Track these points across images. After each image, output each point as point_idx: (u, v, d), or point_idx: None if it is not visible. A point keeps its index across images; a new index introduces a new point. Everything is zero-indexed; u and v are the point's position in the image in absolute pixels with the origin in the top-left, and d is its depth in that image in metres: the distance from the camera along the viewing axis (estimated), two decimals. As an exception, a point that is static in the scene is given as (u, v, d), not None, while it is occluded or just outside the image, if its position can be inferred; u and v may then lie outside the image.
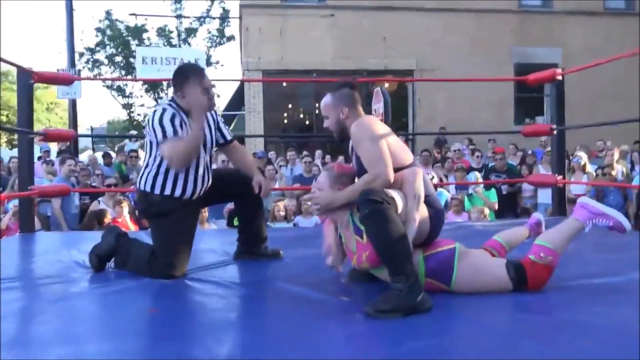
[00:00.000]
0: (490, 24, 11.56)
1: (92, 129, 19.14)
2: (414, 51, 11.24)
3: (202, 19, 19.55)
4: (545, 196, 6.51)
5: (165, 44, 18.95)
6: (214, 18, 19.20)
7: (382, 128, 2.06)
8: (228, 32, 20.31)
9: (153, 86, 19.45)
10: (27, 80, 3.48)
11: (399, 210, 1.87)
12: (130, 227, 4.85)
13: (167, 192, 2.40)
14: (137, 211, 2.76)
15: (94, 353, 1.46)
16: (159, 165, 2.39)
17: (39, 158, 8.54)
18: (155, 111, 2.38)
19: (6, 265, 2.51)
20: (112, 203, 4.98)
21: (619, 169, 6.46)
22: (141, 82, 19.30)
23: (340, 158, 8.19)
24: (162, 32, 19.35)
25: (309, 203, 2.14)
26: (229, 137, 2.70)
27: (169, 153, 2.30)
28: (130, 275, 2.35)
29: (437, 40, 11.27)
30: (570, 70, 3.79)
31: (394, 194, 1.88)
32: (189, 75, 2.41)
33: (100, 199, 5.23)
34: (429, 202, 2.04)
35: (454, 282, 1.92)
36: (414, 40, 11.21)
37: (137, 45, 18.54)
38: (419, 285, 1.80)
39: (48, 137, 3.43)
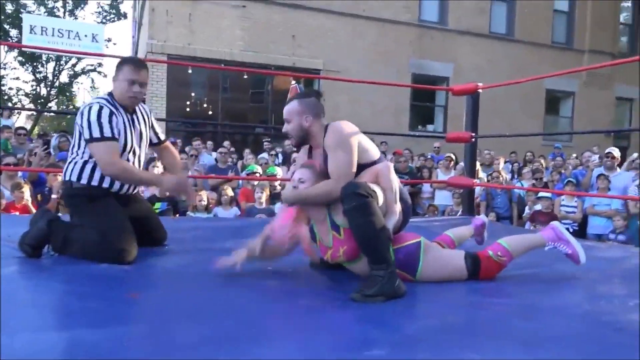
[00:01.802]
0: (392, 34, 12.22)
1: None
2: (321, 51, 11.52)
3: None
4: (442, 198, 7.12)
5: (46, 14, 17.26)
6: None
7: (355, 134, 2.17)
8: (121, 8, 19.10)
9: (30, 58, 17.63)
10: None
11: (380, 203, 2.00)
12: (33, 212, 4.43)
13: (94, 183, 2.37)
14: (63, 198, 2.58)
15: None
16: (88, 160, 2.36)
17: None
18: (91, 106, 2.35)
19: None
20: (9, 186, 4.49)
21: (504, 176, 7.26)
22: (16, 53, 17.39)
23: (247, 151, 8.16)
24: (41, 2, 17.59)
25: (287, 191, 2.17)
26: (162, 138, 2.74)
27: (106, 158, 2.28)
28: (75, 261, 2.21)
29: (343, 44, 11.67)
30: (489, 85, 4.22)
31: (375, 187, 2.00)
32: (125, 62, 2.45)
33: (-5, 179, 4.70)
34: (400, 196, 2.20)
35: (419, 272, 2.10)
36: (322, 40, 11.50)
37: (12, 10, 16.70)
38: (395, 272, 1.94)
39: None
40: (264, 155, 7.96)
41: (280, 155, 8.26)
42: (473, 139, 4.17)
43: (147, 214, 2.70)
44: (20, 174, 5.03)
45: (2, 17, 16.85)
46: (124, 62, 2.47)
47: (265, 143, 9.13)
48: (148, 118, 2.62)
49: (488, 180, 6.71)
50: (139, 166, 2.52)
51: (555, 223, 2.37)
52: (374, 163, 2.18)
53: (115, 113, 2.36)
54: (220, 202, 5.30)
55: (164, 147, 2.75)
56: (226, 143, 8.56)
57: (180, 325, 1.52)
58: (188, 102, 11.86)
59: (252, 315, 1.66)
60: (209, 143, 8.83)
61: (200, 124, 11.54)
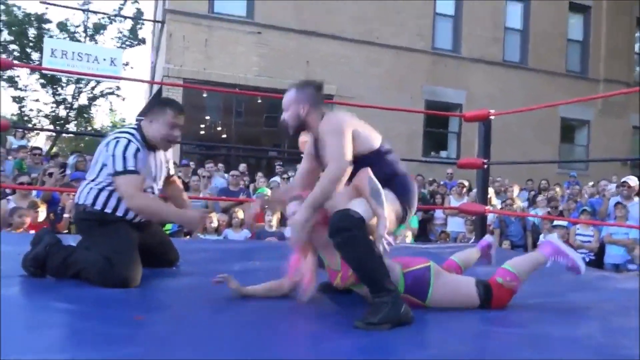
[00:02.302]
0: (405, 61, 12.32)
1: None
2: (334, 78, 11.62)
3: (112, 18, 18.60)
4: (454, 224, 7.04)
5: (67, 38, 17.73)
6: (127, 18, 18.32)
7: (350, 121, 2.14)
8: (139, 34, 19.56)
9: (50, 81, 18.05)
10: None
11: (367, 219, 1.92)
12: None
13: (108, 210, 2.36)
14: (75, 219, 2.57)
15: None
16: (104, 187, 2.36)
17: None
18: (119, 139, 2.35)
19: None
20: (26, 204, 4.53)
21: (518, 204, 7.17)
22: (38, 76, 17.83)
23: (259, 174, 8.17)
24: (64, 27, 18.08)
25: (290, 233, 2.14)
26: (171, 172, 2.75)
27: (130, 192, 2.28)
28: (79, 283, 2.19)
29: (357, 70, 11.77)
30: (500, 112, 4.21)
31: (359, 206, 1.92)
32: (170, 106, 2.47)
33: (10, 197, 4.75)
34: (395, 172, 2.17)
35: (430, 298, 2.05)
36: (336, 67, 11.61)
37: (35, 34, 17.19)
38: (400, 298, 1.90)
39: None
40: (276, 178, 7.97)
41: (292, 180, 8.27)
42: (485, 166, 4.13)
43: (160, 236, 2.70)
44: (34, 193, 5.09)
45: (25, 41, 17.37)
46: (167, 104, 2.49)
47: (277, 166, 9.16)
48: (165, 154, 2.63)
49: (502, 208, 6.62)
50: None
51: (550, 238, 2.37)
52: (378, 152, 2.16)
53: (141, 150, 2.37)
54: (231, 224, 5.29)
55: (172, 181, 2.77)
56: (242, 166, 8.61)
57: (183, 348, 1.49)
58: (203, 125, 12.00)
59: (255, 340, 1.62)
60: (220, 165, 8.88)
61: (214, 147, 11.63)
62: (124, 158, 2.29)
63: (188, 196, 3.04)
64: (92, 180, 2.39)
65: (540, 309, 2.21)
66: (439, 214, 7.26)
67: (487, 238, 2.69)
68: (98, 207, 2.35)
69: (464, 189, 7.42)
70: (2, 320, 1.58)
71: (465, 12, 12.91)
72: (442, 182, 8.35)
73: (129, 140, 2.34)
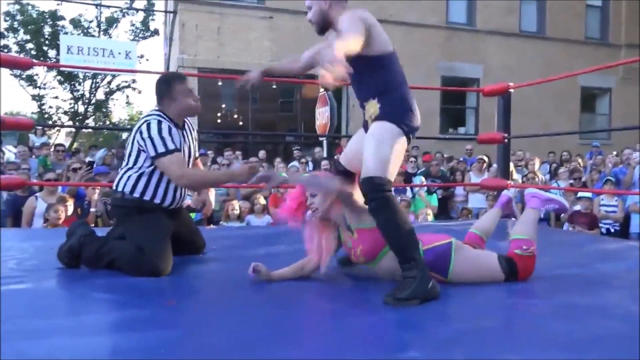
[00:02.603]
0: (419, 36, 12.15)
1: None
2: (348, 58, 11.54)
3: (124, 11, 18.70)
4: (475, 201, 7.00)
5: (81, 34, 17.89)
6: (139, 10, 18.39)
7: (370, 17, 2.10)
8: (152, 25, 19.64)
9: (68, 78, 18.29)
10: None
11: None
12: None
13: (147, 197, 2.41)
14: (112, 208, 2.63)
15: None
16: (143, 173, 2.40)
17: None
18: (149, 121, 2.38)
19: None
20: (53, 200, 4.65)
21: (540, 177, 7.09)
22: (55, 73, 18.07)
23: (277, 160, 8.21)
24: (78, 23, 18.23)
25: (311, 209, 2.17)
26: (197, 154, 2.76)
27: (177, 171, 2.34)
28: (111, 273, 2.26)
29: (370, 49, 11.65)
30: (519, 85, 4.15)
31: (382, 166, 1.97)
32: (173, 79, 2.52)
33: (37, 194, 4.87)
34: (398, 85, 2.14)
35: (451, 273, 2.07)
36: (349, 47, 11.51)
37: (50, 32, 17.39)
38: (427, 272, 1.92)
39: (6, 125, 3.16)
40: (295, 163, 8.00)
41: (310, 163, 8.30)
42: (506, 140, 4.10)
43: (190, 224, 2.77)
44: (60, 188, 5.21)
45: (41, 39, 17.59)
46: (170, 80, 2.52)
47: (295, 151, 9.19)
48: (192, 131, 2.66)
49: (523, 182, 6.56)
50: None
51: (530, 190, 2.48)
52: (391, 56, 2.14)
53: (173, 127, 2.41)
54: (253, 210, 5.35)
55: (195, 163, 2.78)
56: (261, 153, 8.65)
57: (218, 330, 1.55)
58: (219, 114, 12.07)
59: (285, 320, 1.67)
60: (238, 153, 8.93)
61: (231, 135, 11.71)
62: (162, 138, 2.32)
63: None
64: (130, 168, 2.42)
65: (566, 280, 2.22)
66: (459, 190, 7.22)
67: (507, 193, 2.73)
68: (137, 194, 2.38)
69: (484, 165, 7.35)
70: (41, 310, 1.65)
71: (479, -17, 12.65)
72: (461, 159, 8.28)
73: (160, 120, 2.38)
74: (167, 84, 2.49)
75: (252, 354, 1.36)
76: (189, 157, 2.57)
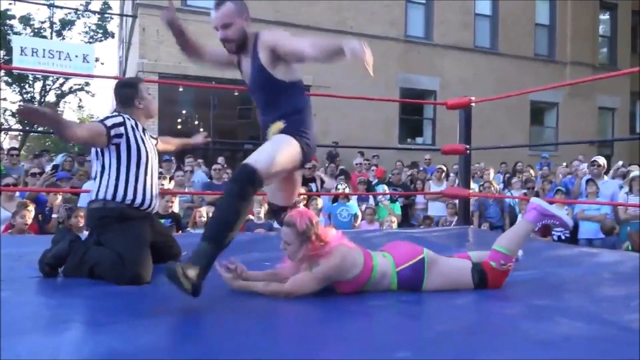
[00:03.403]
0: (379, 49, 12.41)
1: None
2: (310, 68, 11.66)
3: (79, 13, 18.16)
4: (435, 209, 7.25)
5: (31, 34, 17.25)
6: (97, 13, 17.92)
7: None
8: (107, 28, 19.17)
9: (17, 79, 17.57)
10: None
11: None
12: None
13: (128, 202, 2.41)
14: (89, 216, 2.59)
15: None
16: (118, 175, 2.40)
17: None
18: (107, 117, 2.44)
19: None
20: (13, 206, 4.50)
21: (495, 186, 7.41)
22: (2, 74, 17.31)
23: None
24: (27, 22, 17.58)
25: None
26: (155, 137, 2.78)
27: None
28: (91, 281, 2.25)
29: (332, 60, 11.83)
30: (481, 99, 4.37)
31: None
32: (139, 82, 2.60)
33: (-6, 200, 4.70)
34: (302, 109, 2.29)
35: (424, 287, 2.14)
36: (311, 57, 11.64)
37: (1, 32, 16.69)
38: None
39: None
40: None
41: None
42: (468, 151, 4.30)
43: (163, 230, 2.77)
44: (18, 194, 5.04)
45: (-11, 38, 16.85)
46: (134, 84, 2.58)
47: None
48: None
49: (480, 191, 6.85)
50: (154, 178, 2.56)
51: (534, 201, 2.33)
52: (301, 82, 2.36)
53: (134, 127, 2.45)
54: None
55: (160, 140, 2.84)
56: (220, 159, 8.61)
57: (207, 336, 1.59)
58: (179, 120, 11.92)
59: (268, 325, 1.73)
60: (200, 161, 8.86)
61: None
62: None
63: (173, 190, 3.10)
64: (102, 172, 2.40)
65: (532, 284, 2.37)
66: (419, 199, 7.45)
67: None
68: (118, 199, 2.37)
69: (443, 174, 7.62)
70: (3, 320, 1.64)
71: (437, -2, 13.10)
72: (421, 168, 8.54)
73: (119, 116, 2.43)
74: (134, 87, 2.53)
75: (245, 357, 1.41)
76: (149, 159, 2.53)
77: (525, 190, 7.00)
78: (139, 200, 2.43)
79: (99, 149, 2.42)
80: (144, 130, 2.56)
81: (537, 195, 6.89)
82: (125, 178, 2.40)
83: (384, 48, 12.46)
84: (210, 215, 4.79)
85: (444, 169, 7.73)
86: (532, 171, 8.43)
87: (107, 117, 2.41)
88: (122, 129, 2.37)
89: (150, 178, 2.50)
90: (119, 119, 2.40)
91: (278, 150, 2.10)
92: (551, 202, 6.18)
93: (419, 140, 13.33)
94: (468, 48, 13.49)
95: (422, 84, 12.95)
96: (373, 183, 7.76)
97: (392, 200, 6.69)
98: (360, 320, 1.83)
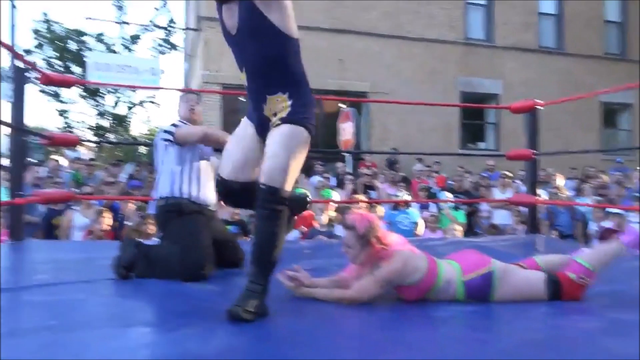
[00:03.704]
0: (438, 53, 12.25)
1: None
2: (367, 74, 11.68)
3: (147, 28, 19.07)
4: (500, 217, 7.01)
5: (105, 50, 18.29)
6: (163, 28, 18.78)
7: None
8: (172, 41, 19.99)
9: (92, 93, 18.66)
10: (23, 78, 3.38)
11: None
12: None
13: (185, 196, 2.60)
14: (155, 216, 2.80)
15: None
16: (175, 173, 2.63)
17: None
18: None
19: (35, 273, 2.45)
20: (90, 213, 4.80)
21: (565, 193, 7.09)
22: (79, 89, 18.45)
23: (300, 175, 8.29)
24: (101, 40, 18.65)
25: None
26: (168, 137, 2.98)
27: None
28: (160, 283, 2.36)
29: (389, 65, 11.79)
30: (547, 102, 4.21)
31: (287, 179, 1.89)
32: (183, 96, 2.95)
33: (75, 208, 5.03)
34: (302, 77, 2.01)
35: (492, 298, 2.07)
36: (369, 63, 11.66)
37: (77, 50, 17.82)
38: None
39: (55, 141, 3.31)
40: (318, 177, 8.10)
41: (333, 178, 8.38)
42: (534, 157, 4.15)
43: (226, 234, 2.89)
44: (96, 202, 5.36)
45: (68, 55, 18.00)
46: (181, 96, 2.99)
47: (317, 166, 9.28)
48: None
49: (548, 198, 6.57)
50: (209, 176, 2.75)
51: (634, 226, 2.30)
52: (298, 42, 2.00)
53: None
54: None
55: None
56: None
57: (281, 335, 1.63)
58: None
59: (332, 330, 1.76)
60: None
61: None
62: (168, 126, 2.74)
63: None
64: (163, 172, 2.66)
65: (610, 296, 2.25)
66: (483, 206, 7.24)
67: (635, 228, 2.47)
68: (176, 194, 2.58)
69: (508, 181, 7.38)
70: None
71: None
72: (484, 174, 8.30)
73: (174, 123, 2.80)
74: (181, 99, 2.92)
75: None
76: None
77: (597, 197, 6.64)
78: (194, 196, 2.60)
79: (160, 152, 2.70)
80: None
81: (611, 202, 6.54)
82: (180, 174, 2.63)
83: (442, 51, 12.27)
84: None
85: (509, 175, 7.48)
86: (604, 177, 7.99)
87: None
88: (170, 136, 2.69)
89: (205, 176, 2.68)
90: (172, 128, 2.73)
91: (293, 163, 1.86)
92: (629, 210, 5.85)
93: (481, 145, 12.97)
94: (532, 49, 13.01)
95: (484, 87, 12.61)
96: (434, 190, 7.63)
97: (455, 207, 6.54)
98: (424, 330, 1.81)
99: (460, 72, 12.43)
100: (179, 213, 2.57)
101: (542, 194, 6.82)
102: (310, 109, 1.95)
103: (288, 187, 1.85)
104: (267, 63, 1.88)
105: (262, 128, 1.99)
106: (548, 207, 6.46)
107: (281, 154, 1.82)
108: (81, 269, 2.66)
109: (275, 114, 1.92)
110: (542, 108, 4.23)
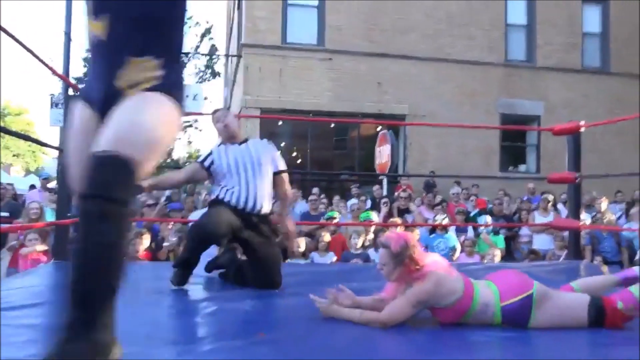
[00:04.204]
0: (477, 75, 12.14)
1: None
2: (406, 97, 11.67)
3: (190, 55, 19.77)
4: (541, 242, 6.79)
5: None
6: (206, 55, 19.44)
7: None
8: (214, 67, 20.62)
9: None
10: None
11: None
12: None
13: (214, 196, 3.02)
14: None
15: None
16: (220, 186, 3.01)
17: (32, 187, 8.40)
18: None
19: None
20: (131, 234, 4.94)
21: (610, 217, 6.81)
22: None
23: (336, 198, 8.31)
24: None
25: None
26: (276, 169, 3.08)
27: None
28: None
29: (428, 88, 11.76)
30: (591, 124, 4.10)
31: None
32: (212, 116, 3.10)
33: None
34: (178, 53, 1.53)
35: (531, 324, 2.00)
36: (407, 86, 11.66)
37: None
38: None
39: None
40: (354, 200, 8.08)
41: (369, 201, 8.34)
42: (577, 179, 4.03)
43: (270, 257, 2.93)
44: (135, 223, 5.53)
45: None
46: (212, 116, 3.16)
47: (353, 189, 9.27)
48: (257, 146, 3.09)
49: (592, 223, 6.33)
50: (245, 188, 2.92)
51: None
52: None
53: (216, 148, 3.05)
54: (317, 247, 5.44)
55: (278, 178, 3.18)
56: (315, 189, 8.81)
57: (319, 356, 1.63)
58: (279, 153, 12.40)
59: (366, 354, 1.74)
60: (299, 192, 9.03)
61: (292, 173, 11.96)
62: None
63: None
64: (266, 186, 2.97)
65: None
66: (524, 231, 7.03)
67: (635, 270, 2.33)
68: (220, 198, 2.89)
69: (549, 204, 7.16)
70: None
71: (539, 20, 12.56)
72: (524, 198, 8.09)
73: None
74: (213, 119, 3.10)
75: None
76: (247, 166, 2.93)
77: (647, 222, 6.34)
78: (227, 198, 2.84)
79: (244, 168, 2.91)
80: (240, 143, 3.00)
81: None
82: (225, 185, 2.90)
83: (482, 73, 12.14)
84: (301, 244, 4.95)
85: (550, 198, 7.26)
86: (654, 201, 7.62)
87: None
88: (210, 158, 2.97)
89: (237, 178, 2.87)
90: (207, 153, 3.03)
91: (156, 126, 1.30)
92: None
93: (522, 167, 12.66)
94: (575, 69, 12.70)
95: (525, 109, 12.37)
96: (472, 213, 7.48)
97: (495, 232, 6.38)
98: (459, 355, 1.77)
99: (500, 93, 12.26)
100: (210, 205, 2.98)
101: (586, 219, 6.58)
102: (182, 93, 1.47)
103: (145, 164, 1.27)
104: (143, 12, 1.35)
105: (108, 106, 1.35)
106: (592, 232, 6.22)
107: (138, 118, 1.26)
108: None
109: (134, 86, 1.36)
110: (585, 129, 4.12)
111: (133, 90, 1.35)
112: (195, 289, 2.85)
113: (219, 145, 3.03)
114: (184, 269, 2.77)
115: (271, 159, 3.03)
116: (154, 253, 5.21)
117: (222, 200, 2.84)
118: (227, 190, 2.86)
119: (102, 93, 1.40)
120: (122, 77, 1.36)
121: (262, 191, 2.88)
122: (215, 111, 3.14)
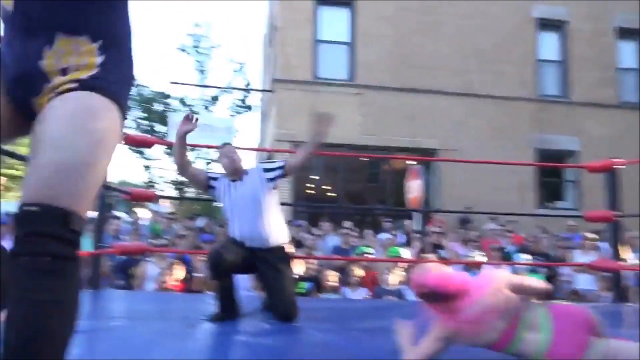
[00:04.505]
0: (508, 110, 12.04)
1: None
2: (436, 132, 11.64)
3: (226, 90, 20.32)
4: (583, 281, 6.52)
5: (188, 110, 19.61)
6: (240, 90, 19.97)
7: None
8: (248, 102, 21.11)
9: (174, 150, 19.91)
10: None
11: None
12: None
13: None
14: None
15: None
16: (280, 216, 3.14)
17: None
18: None
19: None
20: (164, 264, 5.01)
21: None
22: (164, 147, 19.75)
23: (368, 232, 8.25)
24: (184, 102, 20.07)
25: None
26: (280, 174, 3.11)
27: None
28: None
29: (459, 123, 11.71)
30: (627, 162, 3.99)
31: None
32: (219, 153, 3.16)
33: (149, 259, 5.27)
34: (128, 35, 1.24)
35: None
36: (438, 121, 11.65)
37: (163, 110, 19.25)
38: None
39: (134, 196, 3.57)
40: (386, 234, 8.01)
41: (401, 235, 8.25)
42: (616, 218, 3.90)
43: (281, 288, 2.91)
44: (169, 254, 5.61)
45: (152, 116, 19.49)
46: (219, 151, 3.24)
47: (385, 222, 9.19)
48: (256, 174, 3.12)
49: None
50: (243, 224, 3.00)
51: None
52: None
53: (219, 178, 3.12)
54: (348, 282, 5.37)
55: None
56: (348, 223, 8.77)
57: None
58: (311, 185, 12.48)
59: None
60: (329, 225, 9.03)
61: (321, 206, 12.00)
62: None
63: (302, 255, 3.62)
64: (272, 215, 3.03)
65: None
66: (565, 270, 6.78)
67: None
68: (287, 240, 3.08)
69: (591, 242, 6.90)
70: None
71: (572, 55, 12.45)
72: (564, 236, 7.84)
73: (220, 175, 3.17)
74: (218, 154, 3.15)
75: None
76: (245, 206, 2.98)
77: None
78: (232, 235, 2.99)
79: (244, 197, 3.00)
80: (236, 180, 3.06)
81: None
82: (229, 224, 3.05)
83: (513, 108, 12.04)
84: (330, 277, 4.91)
85: (591, 237, 7.01)
86: None
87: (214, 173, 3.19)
88: (214, 183, 3.07)
89: (237, 218, 2.97)
90: (217, 175, 3.13)
91: (94, 153, 1.08)
92: None
93: (560, 204, 12.33)
94: (612, 104, 12.45)
95: (560, 144, 12.14)
96: (508, 250, 7.27)
97: (533, 270, 6.18)
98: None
99: (533, 128, 12.09)
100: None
101: (632, 258, 6.32)
102: (128, 87, 1.26)
103: (85, 208, 1.08)
104: None
105: (25, 90, 1.14)
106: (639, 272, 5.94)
107: (72, 157, 1.03)
108: (151, 318, 2.76)
109: (65, 71, 1.12)
110: (623, 167, 4.01)
111: (64, 79, 1.10)
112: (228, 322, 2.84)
113: (223, 176, 3.13)
114: (222, 304, 2.84)
115: (268, 188, 3.03)
116: (187, 284, 5.26)
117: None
118: (231, 229, 3.03)
119: (17, 73, 1.13)
120: (47, 58, 1.10)
121: (264, 227, 2.95)
122: (224, 145, 3.21)
